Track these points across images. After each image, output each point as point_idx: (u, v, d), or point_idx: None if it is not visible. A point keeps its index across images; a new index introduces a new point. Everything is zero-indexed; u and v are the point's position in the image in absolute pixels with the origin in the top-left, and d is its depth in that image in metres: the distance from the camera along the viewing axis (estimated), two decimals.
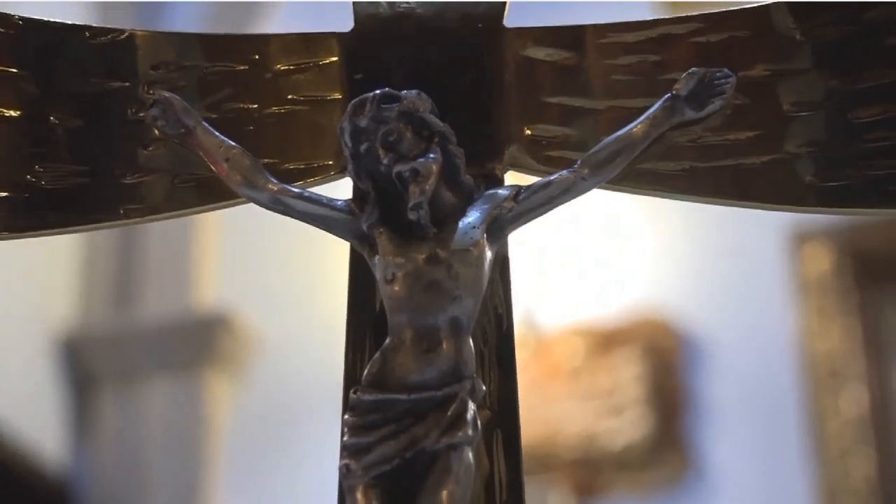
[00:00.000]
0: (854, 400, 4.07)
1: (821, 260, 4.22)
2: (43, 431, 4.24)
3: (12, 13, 1.12)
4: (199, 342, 4.48)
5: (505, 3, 1.14)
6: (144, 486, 4.34)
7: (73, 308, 4.54)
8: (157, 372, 4.48)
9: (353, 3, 1.14)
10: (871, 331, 4.19)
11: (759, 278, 4.23)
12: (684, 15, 1.12)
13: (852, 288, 4.21)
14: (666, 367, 4.19)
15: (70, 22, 1.14)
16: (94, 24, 1.15)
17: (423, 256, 1.01)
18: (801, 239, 4.21)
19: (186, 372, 4.46)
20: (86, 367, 4.46)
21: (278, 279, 4.54)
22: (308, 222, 1.07)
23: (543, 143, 1.11)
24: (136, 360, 4.50)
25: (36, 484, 4.20)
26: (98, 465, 4.37)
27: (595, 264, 4.32)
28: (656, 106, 1.08)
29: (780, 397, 4.08)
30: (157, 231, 4.49)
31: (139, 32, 1.14)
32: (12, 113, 1.11)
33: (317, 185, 1.11)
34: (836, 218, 3.87)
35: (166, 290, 4.62)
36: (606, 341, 4.24)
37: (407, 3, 1.14)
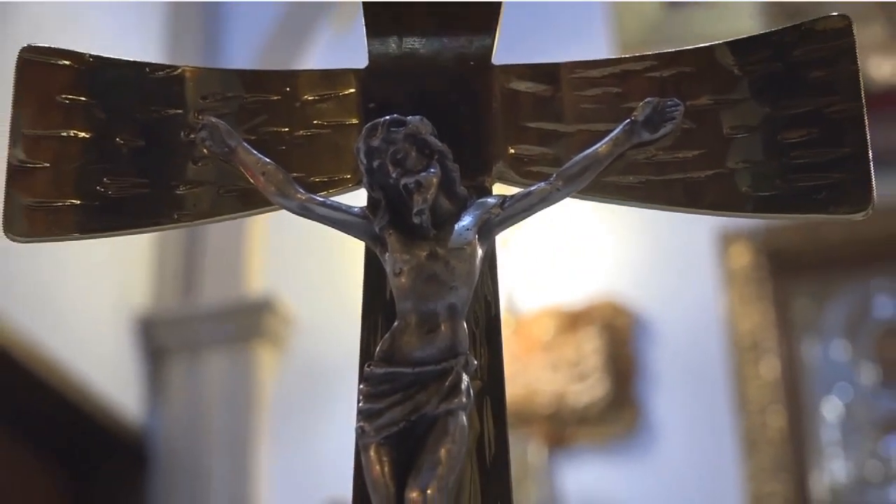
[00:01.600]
0: (769, 367, 4.05)
1: (743, 256, 4.20)
2: (123, 394, 4.21)
3: (84, 51, 1.09)
4: (250, 321, 4.45)
5: (493, 44, 1.12)
6: (205, 438, 4.31)
7: (148, 293, 4.51)
8: (216, 346, 4.44)
9: (368, 44, 1.12)
10: (782, 313, 4.18)
11: (694, 270, 4.20)
12: (641, 54, 1.10)
13: (767, 279, 4.19)
14: (620, 341, 4.16)
15: (133, 59, 1.10)
16: (155, 61, 1.12)
17: (425, 254, 0.99)
18: (727, 239, 4.20)
19: (239, 346, 4.43)
20: (158, 341, 4.43)
21: (312, 271, 4.51)
22: (330, 225, 1.05)
23: (525, 160, 1.09)
24: (198, 335, 4.47)
25: (117, 436, 4.18)
26: (168, 422, 4.34)
27: (563, 260, 4.29)
28: (618, 129, 1.06)
29: (711, 365, 4.06)
30: (216, 231, 4.46)
31: (190, 68, 1.13)
32: (84, 135, 1.09)
33: (337, 194, 1.09)
34: (755, 222, 3.84)
35: (223, 279, 4.58)
36: (572, 321, 4.21)
37: (411, 44, 1.11)
